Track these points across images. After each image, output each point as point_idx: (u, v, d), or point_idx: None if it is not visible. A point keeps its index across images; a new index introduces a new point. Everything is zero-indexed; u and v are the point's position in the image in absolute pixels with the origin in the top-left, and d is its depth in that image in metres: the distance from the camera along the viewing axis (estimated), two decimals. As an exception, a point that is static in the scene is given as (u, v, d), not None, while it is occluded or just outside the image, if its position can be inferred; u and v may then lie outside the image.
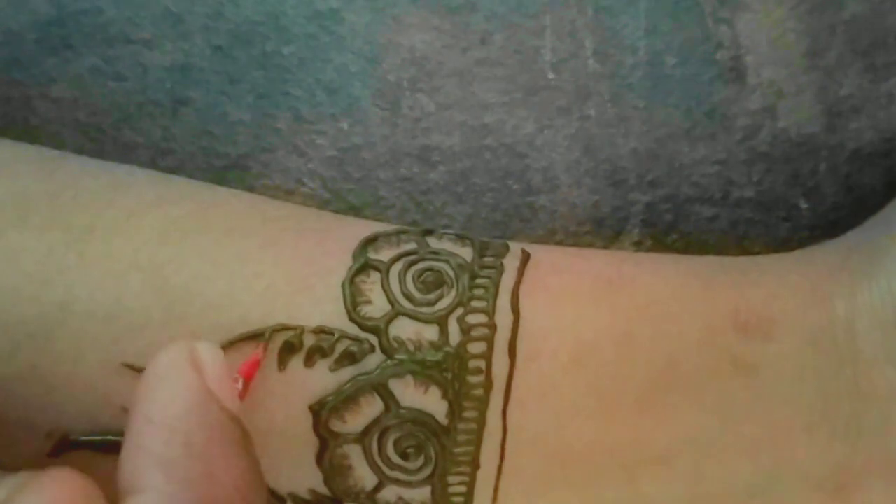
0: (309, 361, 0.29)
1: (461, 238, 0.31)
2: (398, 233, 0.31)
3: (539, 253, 0.31)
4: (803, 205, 0.33)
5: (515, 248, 0.30)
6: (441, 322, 0.29)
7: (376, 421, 0.29)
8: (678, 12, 0.31)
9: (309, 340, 0.29)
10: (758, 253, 0.33)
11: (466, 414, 0.28)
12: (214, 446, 0.25)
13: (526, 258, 0.30)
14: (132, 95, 0.33)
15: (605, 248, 0.33)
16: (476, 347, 0.29)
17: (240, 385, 0.28)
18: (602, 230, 0.33)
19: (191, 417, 0.25)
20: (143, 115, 0.33)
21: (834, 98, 0.32)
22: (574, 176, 0.33)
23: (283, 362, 0.29)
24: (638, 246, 0.33)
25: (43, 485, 0.24)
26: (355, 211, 0.33)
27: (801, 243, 0.33)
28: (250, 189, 0.33)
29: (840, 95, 0.32)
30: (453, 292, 0.29)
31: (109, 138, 0.34)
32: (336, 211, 0.33)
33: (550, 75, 0.32)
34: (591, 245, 0.33)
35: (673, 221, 0.33)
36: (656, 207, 0.33)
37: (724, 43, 0.31)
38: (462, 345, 0.29)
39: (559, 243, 0.33)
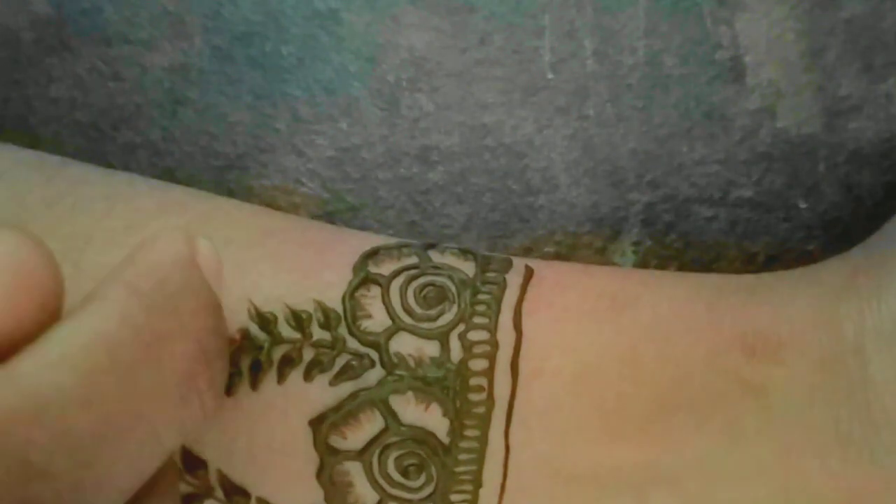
0: (308, 375, 0.28)
1: (464, 252, 0.30)
2: (400, 246, 0.30)
3: (542, 269, 0.30)
4: (802, 205, 0.33)
5: (519, 263, 0.30)
6: (442, 338, 0.28)
7: (377, 437, 0.28)
8: (677, 12, 0.31)
9: (308, 354, 0.28)
10: (757, 253, 0.33)
11: (468, 432, 0.28)
12: (187, 295, 0.24)
13: (529, 274, 0.30)
14: (131, 96, 0.33)
15: (604, 247, 0.33)
16: (478, 364, 0.28)
17: None
18: (601, 230, 0.33)
19: (173, 266, 0.24)
20: (141, 116, 0.33)
21: (833, 98, 0.32)
22: (573, 176, 0.32)
23: (282, 375, 0.28)
24: (637, 246, 0.33)
25: None
26: (354, 211, 0.33)
27: (801, 243, 0.33)
28: (249, 189, 0.33)
29: (839, 95, 0.31)
30: (455, 308, 0.29)
31: (108, 138, 0.34)
32: (335, 211, 0.33)
33: (549, 75, 0.32)
34: (590, 245, 0.33)
35: (672, 221, 0.33)
36: (655, 207, 0.33)
37: (723, 43, 0.31)
38: (463, 362, 0.28)
39: (558, 244, 0.33)
